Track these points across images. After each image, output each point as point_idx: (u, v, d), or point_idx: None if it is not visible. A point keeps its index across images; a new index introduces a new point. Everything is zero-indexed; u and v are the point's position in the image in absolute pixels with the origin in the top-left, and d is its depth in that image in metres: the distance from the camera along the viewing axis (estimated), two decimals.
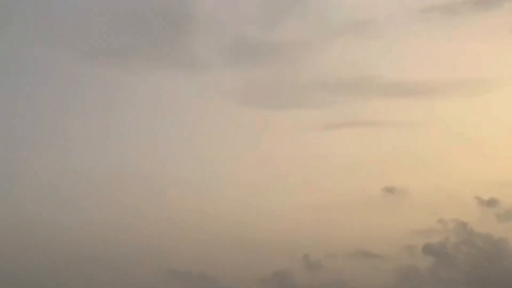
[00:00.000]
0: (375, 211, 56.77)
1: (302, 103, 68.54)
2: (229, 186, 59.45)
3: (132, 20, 69.78)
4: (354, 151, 64.33)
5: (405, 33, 70.24)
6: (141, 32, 70.48)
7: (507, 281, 48.60)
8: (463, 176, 60.71)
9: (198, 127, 66.96)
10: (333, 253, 53.29)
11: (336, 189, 59.23)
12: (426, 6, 68.14)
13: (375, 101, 68.08)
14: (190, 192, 59.25)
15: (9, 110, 67.55)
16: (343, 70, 68.58)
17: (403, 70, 69.80)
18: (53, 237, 52.99)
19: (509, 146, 64.15)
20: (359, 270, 51.91)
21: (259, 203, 58.38)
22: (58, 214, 56.35)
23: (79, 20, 70.20)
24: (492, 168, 61.17)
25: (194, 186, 60.23)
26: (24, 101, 69.49)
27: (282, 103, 69.19)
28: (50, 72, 71.49)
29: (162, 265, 51.89)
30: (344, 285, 51.68)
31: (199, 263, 52.57)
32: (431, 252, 53.62)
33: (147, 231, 54.88)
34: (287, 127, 67.07)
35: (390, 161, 62.89)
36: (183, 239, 53.94)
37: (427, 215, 56.53)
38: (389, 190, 60.36)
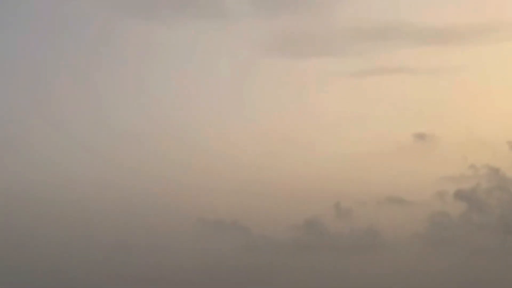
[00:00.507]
0: (406, 158, 56.06)
1: (330, 51, 66.92)
2: (260, 135, 59.07)
3: None
4: (384, 98, 63.01)
5: None
6: None
7: None
8: (494, 121, 59.64)
9: (227, 76, 66.78)
10: (364, 200, 53.13)
11: (366, 137, 58.45)
12: None
13: (404, 48, 65.95)
14: (220, 141, 59.21)
15: (41, 63, 67.92)
16: (371, 17, 66.54)
17: (432, 16, 66.92)
18: (86, 189, 53.57)
19: None
20: (390, 217, 51.86)
21: (290, 152, 58.05)
22: (91, 167, 56.93)
23: None
24: None
25: (225, 135, 60.16)
26: (57, 55, 69.68)
27: (310, 51, 68.09)
28: (83, 25, 71.12)
29: (193, 214, 51.93)
30: (375, 232, 51.79)
31: (231, 212, 52.71)
32: (462, 198, 53.15)
33: (179, 180, 54.82)
34: (315, 76, 65.93)
35: (420, 108, 61.59)
36: (214, 188, 53.85)
37: (458, 161, 55.73)
38: (420, 136, 59.35)
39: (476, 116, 61.36)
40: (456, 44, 65.85)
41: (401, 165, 56.05)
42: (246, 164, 56.12)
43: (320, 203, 52.43)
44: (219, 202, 52.74)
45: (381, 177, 54.94)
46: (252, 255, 50.01)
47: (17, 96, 66.37)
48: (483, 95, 64.37)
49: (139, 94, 68.56)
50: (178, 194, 53.33)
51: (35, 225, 48.96)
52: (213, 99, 69.00)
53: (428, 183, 53.17)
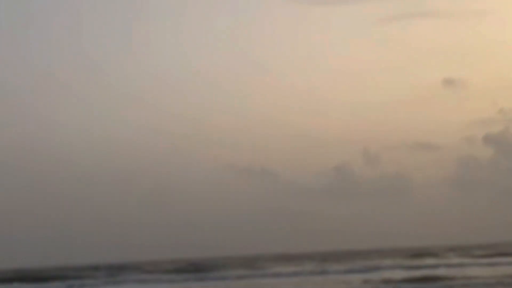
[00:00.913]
0: (434, 103, 55.19)
1: None
2: (287, 83, 58.48)
3: None
4: (412, 43, 61.49)
5: None
6: None
7: None
8: None
9: (254, 24, 66.78)
10: (392, 146, 52.76)
11: (395, 83, 57.39)
12: None
13: None
14: (249, 88, 58.80)
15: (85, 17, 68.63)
16: None
17: None
18: (129, 135, 53.82)
19: None
20: (418, 161, 51.59)
21: (318, 99, 57.59)
22: (135, 113, 57.65)
23: None
24: None
25: (254, 83, 59.61)
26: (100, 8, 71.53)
27: None
28: None
29: (221, 160, 51.62)
30: (403, 177, 51.61)
31: (259, 158, 52.51)
32: (491, 142, 52.40)
33: (209, 127, 54.66)
34: (342, 23, 64.60)
35: (449, 53, 60.26)
36: (243, 135, 53.51)
37: (487, 105, 54.96)
38: (449, 82, 58.05)
39: (505, 60, 59.95)
40: None
41: (430, 110, 55.36)
42: (275, 111, 55.71)
43: (348, 149, 52.21)
44: (247, 149, 52.66)
45: (409, 122, 54.38)
46: (281, 200, 50.35)
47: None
48: None
49: (178, 44, 71.93)
50: (208, 140, 53.25)
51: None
52: (240, 47, 71.56)
53: (456, 127, 52.54)
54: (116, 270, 32.52)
